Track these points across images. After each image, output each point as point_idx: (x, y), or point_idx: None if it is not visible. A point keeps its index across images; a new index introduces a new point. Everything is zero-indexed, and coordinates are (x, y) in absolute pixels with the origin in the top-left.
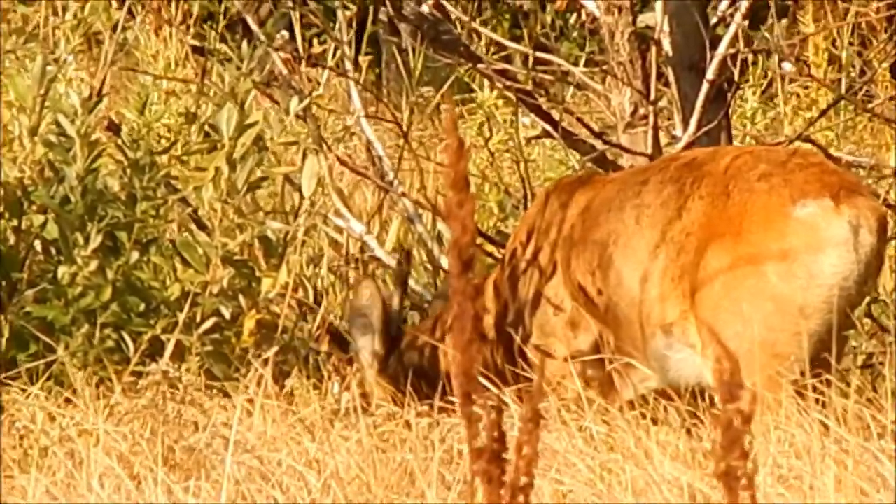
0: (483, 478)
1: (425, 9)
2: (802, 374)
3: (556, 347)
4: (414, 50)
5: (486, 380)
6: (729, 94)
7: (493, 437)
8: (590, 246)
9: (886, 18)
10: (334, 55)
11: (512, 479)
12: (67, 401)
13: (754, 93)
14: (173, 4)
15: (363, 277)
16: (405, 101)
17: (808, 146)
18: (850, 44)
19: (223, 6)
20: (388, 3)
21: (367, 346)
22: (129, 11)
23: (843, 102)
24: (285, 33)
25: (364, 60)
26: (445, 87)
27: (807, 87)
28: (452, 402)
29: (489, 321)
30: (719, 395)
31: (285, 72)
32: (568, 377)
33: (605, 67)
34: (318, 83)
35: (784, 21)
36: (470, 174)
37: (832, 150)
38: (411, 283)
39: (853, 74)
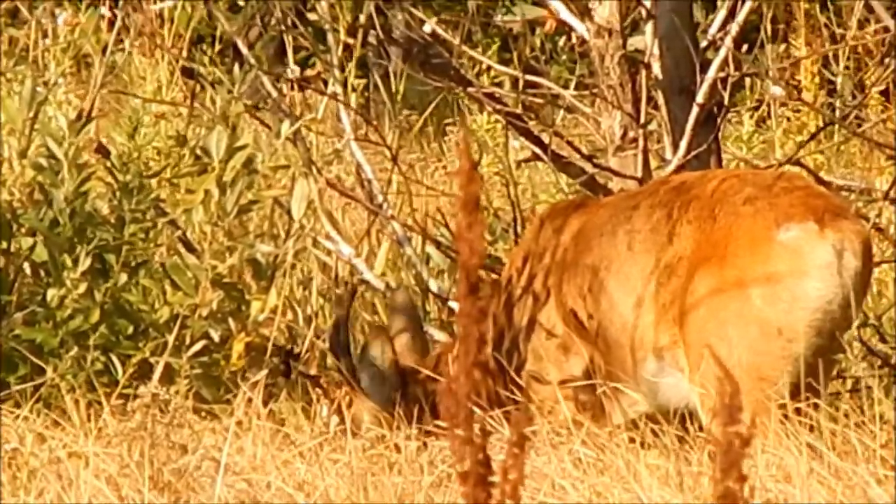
0: (469, 501)
1: (428, 28)
2: (791, 397)
3: (549, 372)
4: (398, 73)
5: (477, 405)
6: (719, 118)
7: (479, 461)
8: (581, 270)
9: (882, 42)
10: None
11: (498, 503)
12: (56, 423)
13: (750, 116)
14: (165, 27)
15: (374, 331)
16: (388, 123)
17: (798, 170)
18: (847, 67)
19: (218, 30)
20: (377, 26)
21: (378, 394)
22: (119, 34)
23: (836, 126)
24: (295, 67)
25: (357, 84)
26: (430, 109)
27: (797, 111)
28: (441, 426)
29: (486, 348)
30: (718, 418)
31: (275, 95)
32: (560, 401)
33: (594, 91)
34: (310, 107)
35: (775, 45)
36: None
37: (823, 174)
38: None
39: (847, 98)
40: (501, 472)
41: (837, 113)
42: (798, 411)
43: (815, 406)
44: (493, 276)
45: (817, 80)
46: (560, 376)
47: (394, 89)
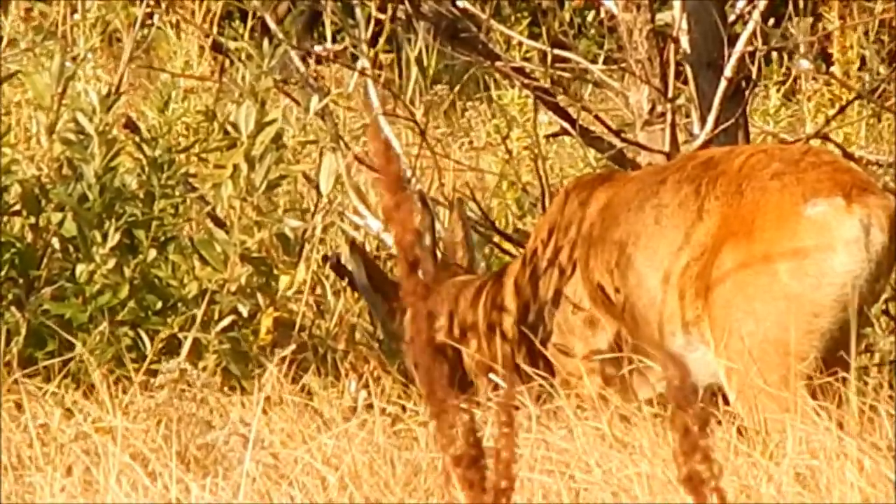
0: (463, 484)
1: (460, 3)
2: (819, 372)
3: (575, 346)
4: (429, 48)
5: (503, 378)
6: (746, 92)
7: (469, 443)
8: (608, 245)
9: None
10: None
11: (493, 483)
12: (84, 398)
13: (778, 90)
14: (196, 2)
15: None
16: (419, 98)
17: (826, 143)
18: (879, 40)
19: (245, 4)
20: (406, 1)
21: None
22: (149, 8)
23: (867, 100)
24: (329, 44)
25: (385, 59)
26: (459, 85)
27: (829, 85)
28: (471, 399)
29: (510, 320)
30: (671, 401)
31: (303, 70)
32: (586, 376)
33: (623, 65)
34: (338, 82)
35: (804, 18)
36: (489, 172)
37: (853, 149)
38: None
39: (881, 71)
40: (493, 452)
41: (867, 87)
42: (825, 386)
43: (843, 380)
44: (521, 250)
45: (851, 53)
46: (586, 351)
47: (424, 64)
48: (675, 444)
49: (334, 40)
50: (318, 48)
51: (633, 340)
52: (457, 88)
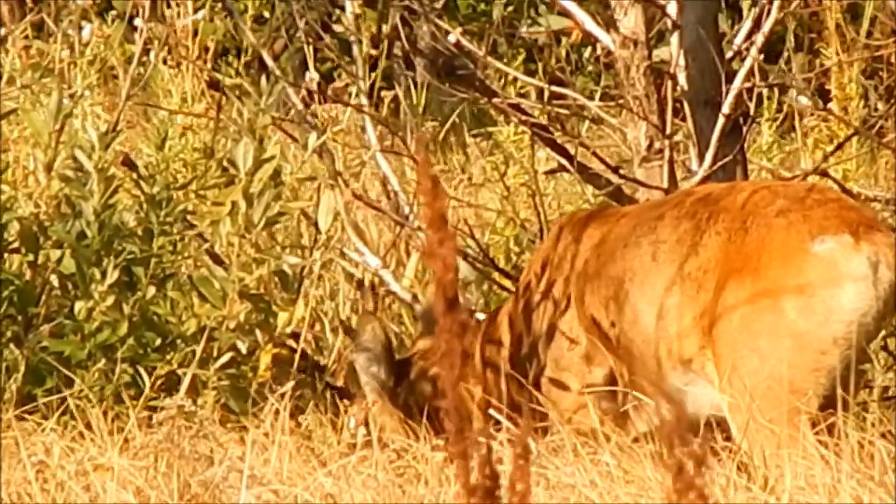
0: None
1: (452, 38)
2: (820, 409)
3: (571, 381)
4: (421, 84)
5: (499, 413)
6: (744, 129)
7: (486, 475)
8: (605, 281)
9: None
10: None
11: None
12: (83, 435)
13: (770, 127)
14: (190, 40)
15: (364, 315)
16: (410, 135)
17: (825, 180)
18: (876, 76)
19: (243, 42)
20: (402, 37)
21: (373, 378)
22: (145, 46)
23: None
24: (315, 75)
25: (386, 95)
26: (450, 121)
27: (826, 121)
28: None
29: (504, 354)
30: (668, 439)
31: (300, 107)
32: (582, 410)
33: (620, 101)
34: (335, 119)
35: (801, 55)
36: (487, 208)
37: (850, 184)
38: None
39: (879, 107)
40: (509, 484)
41: (864, 123)
42: (828, 423)
43: (834, 414)
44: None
45: (850, 90)
46: (582, 386)
47: (417, 100)
48: (668, 483)
49: (332, 77)
50: (312, 82)
51: (628, 375)
52: (448, 124)
